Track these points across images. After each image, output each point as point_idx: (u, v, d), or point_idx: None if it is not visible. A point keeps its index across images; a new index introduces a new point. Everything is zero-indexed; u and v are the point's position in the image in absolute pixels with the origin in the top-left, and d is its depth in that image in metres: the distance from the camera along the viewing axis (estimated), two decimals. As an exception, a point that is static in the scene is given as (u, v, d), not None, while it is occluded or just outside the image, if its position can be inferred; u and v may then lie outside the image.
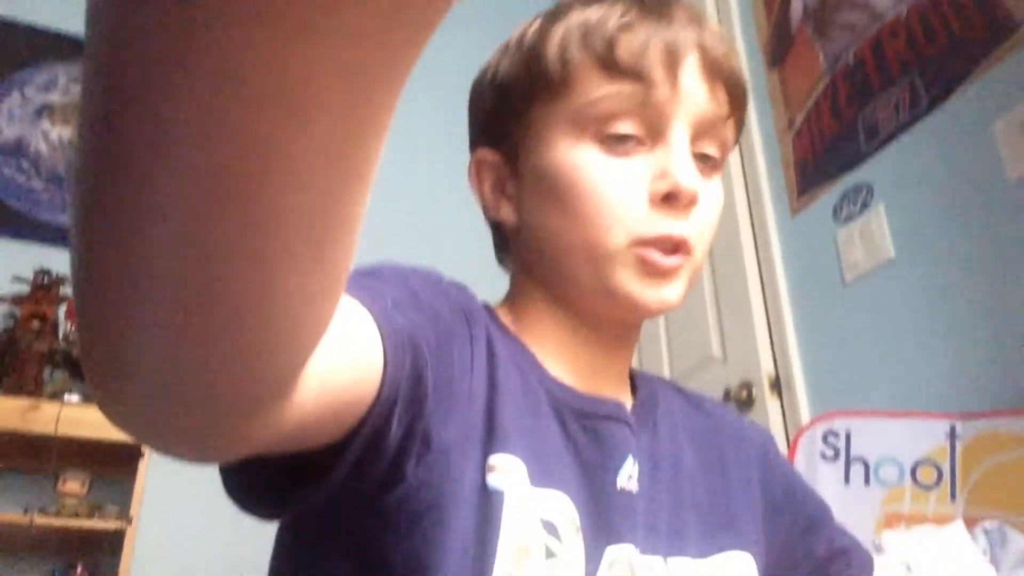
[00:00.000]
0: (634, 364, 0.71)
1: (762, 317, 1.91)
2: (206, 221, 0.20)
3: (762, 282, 1.95)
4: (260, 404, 0.29)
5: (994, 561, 1.23)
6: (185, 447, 0.30)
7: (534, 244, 0.64)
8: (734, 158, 2.10)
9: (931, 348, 1.52)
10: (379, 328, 0.40)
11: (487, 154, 0.65)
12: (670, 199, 0.57)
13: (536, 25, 0.63)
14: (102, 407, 0.28)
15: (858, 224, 1.72)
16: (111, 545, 2.20)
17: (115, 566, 2.13)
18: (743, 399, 1.88)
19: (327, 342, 0.30)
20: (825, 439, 1.52)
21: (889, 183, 1.67)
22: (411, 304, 0.49)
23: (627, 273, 0.58)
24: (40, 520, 2.08)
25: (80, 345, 0.26)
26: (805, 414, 1.75)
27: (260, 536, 0.60)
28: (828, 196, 1.82)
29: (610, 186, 0.57)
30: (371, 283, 0.46)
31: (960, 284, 1.48)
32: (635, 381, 0.69)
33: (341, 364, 0.36)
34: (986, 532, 1.26)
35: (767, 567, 0.68)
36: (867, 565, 0.75)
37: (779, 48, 2.05)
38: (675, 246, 0.58)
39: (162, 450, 0.30)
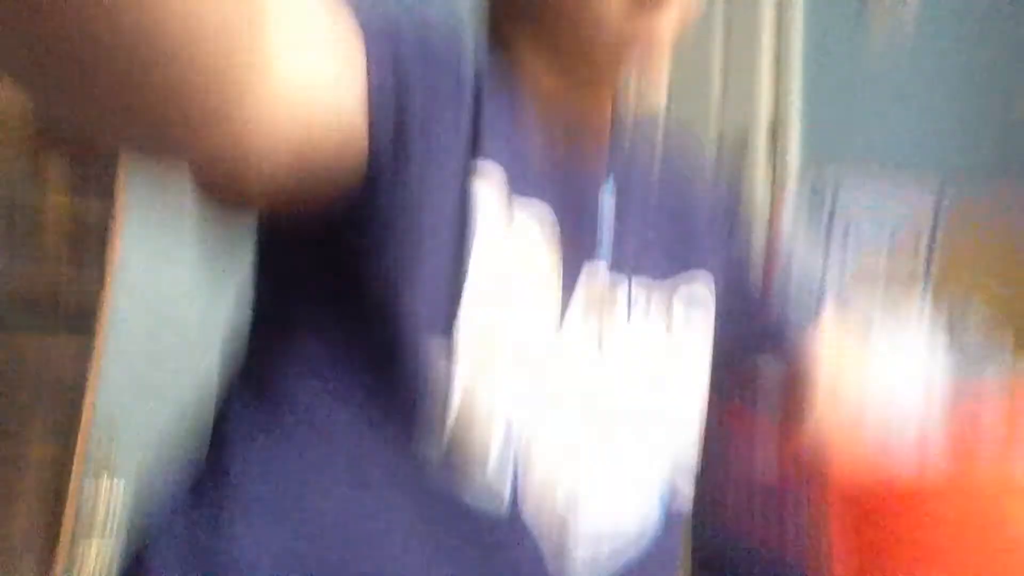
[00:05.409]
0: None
1: (770, 60, 1.81)
2: None
3: (778, 23, 1.82)
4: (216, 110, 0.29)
5: (952, 328, 1.27)
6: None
7: None
8: None
9: (938, 109, 1.47)
10: (360, 27, 0.41)
11: None
12: None
13: None
14: None
15: None
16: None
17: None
18: (738, 144, 1.84)
19: (296, 51, 0.33)
20: (813, 192, 1.51)
21: None
22: (392, 29, 0.47)
23: (613, 8, 0.53)
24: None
25: None
26: (797, 166, 1.72)
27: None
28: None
29: None
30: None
31: (978, 51, 1.40)
32: (617, 116, 0.67)
33: (318, 74, 0.36)
34: (950, 301, 1.30)
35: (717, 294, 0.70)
36: (815, 302, 0.78)
37: None
38: None
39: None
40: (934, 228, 1.33)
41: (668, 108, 1.99)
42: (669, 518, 0.60)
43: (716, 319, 0.67)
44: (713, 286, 0.66)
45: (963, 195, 1.32)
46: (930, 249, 1.34)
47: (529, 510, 0.51)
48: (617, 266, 0.60)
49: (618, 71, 0.61)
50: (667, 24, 0.56)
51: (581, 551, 0.54)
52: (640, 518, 0.58)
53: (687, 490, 0.63)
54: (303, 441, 0.49)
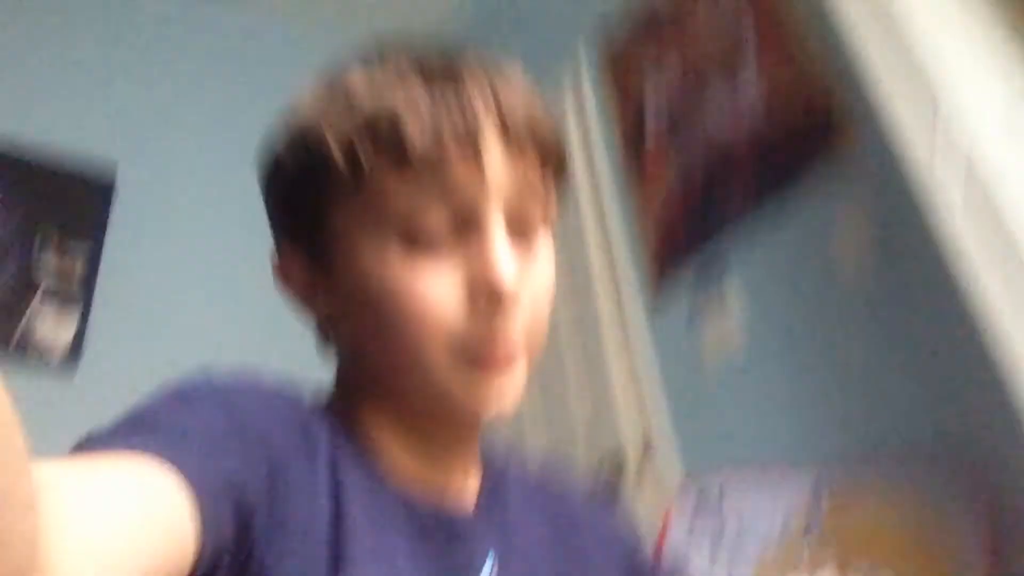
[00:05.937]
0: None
1: (630, 391, 2.01)
2: None
3: (628, 362, 2.05)
4: None
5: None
6: None
7: (356, 346, 0.59)
8: (595, 251, 2.22)
9: (799, 401, 1.67)
10: (188, 486, 0.38)
11: (292, 253, 0.60)
12: (490, 301, 0.53)
13: (314, 104, 0.57)
14: None
15: (714, 313, 1.88)
16: None
17: None
18: (614, 467, 1.96)
19: (95, 549, 0.30)
20: (698, 499, 1.62)
21: (739, 275, 1.84)
22: (233, 436, 0.45)
23: (455, 383, 0.54)
24: None
25: None
26: (676, 479, 1.86)
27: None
28: (684, 286, 1.97)
29: (421, 296, 0.52)
30: (180, 423, 0.43)
31: (805, 369, 1.65)
32: (485, 458, 0.66)
33: (125, 564, 0.32)
34: (855, 576, 1.38)
35: None
36: None
37: (635, 151, 2.23)
38: (503, 349, 0.54)
39: None
40: (820, 515, 1.44)
41: (545, 436, 2.09)
42: None
43: None
44: None
45: (842, 479, 1.44)
46: (820, 537, 1.44)
47: None
48: None
49: (473, 434, 0.62)
50: (512, 381, 0.56)
51: None
52: None
53: None
54: None
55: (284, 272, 0.61)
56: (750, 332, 1.80)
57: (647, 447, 1.94)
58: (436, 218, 0.53)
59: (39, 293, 2.41)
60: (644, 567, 0.72)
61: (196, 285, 2.55)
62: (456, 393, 0.54)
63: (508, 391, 0.55)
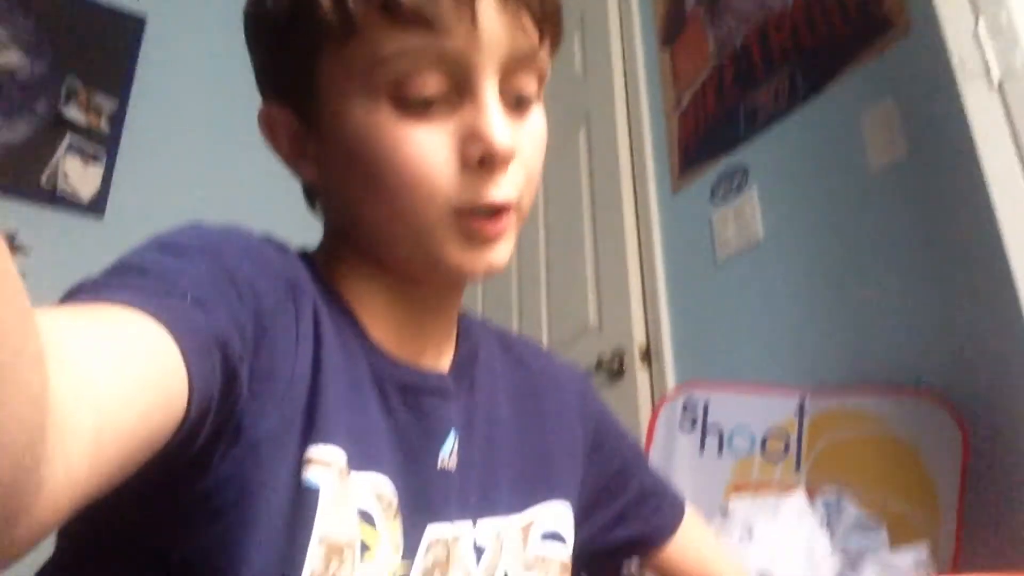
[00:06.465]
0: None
1: (638, 289, 1.97)
2: None
3: (640, 255, 2.00)
4: None
5: (830, 527, 1.32)
6: None
7: (345, 210, 0.58)
8: (622, 133, 2.13)
9: (788, 327, 1.60)
10: (176, 340, 0.36)
11: (277, 109, 0.58)
12: (484, 162, 0.52)
13: None
14: None
15: (732, 206, 1.79)
16: None
17: None
18: (615, 368, 1.94)
19: (89, 391, 0.29)
20: (684, 409, 1.58)
21: (763, 168, 1.74)
22: (222, 288, 0.44)
23: (450, 244, 0.54)
24: None
25: None
26: (672, 384, 1.82)
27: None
28: (707, 177, 1.87)
29: (416, 156, 0.51)
30: (168, 273, 0.42)
31: (819, 269, 1.56)
32: (459, 330, 0.66)
33: (119, 407, 0.32)
34: (825, 501, 1.35)
35: (580, 507, 0.69)
36: (678, 508, 0.77)
37: (672, 28, 2.08)
38: (498, 210, 0.54)
39: None
40: (799, 438, 1.41)
41: (550, 338, 2.09)
42: None
43: (576, 545, 0.67)
44: (571, 514, 0.66)
45: (827, 405, 1.41)
46: (798, 455, 1.40)
47: None
48: (463, 514, 0.58)
49: (454, 301, 0.63)
50: (505, 242, 0.56)
51: None
52: None
53: None
54: None
55: (271, 130, 0.59)
56: (764, 235, 1.71)
57: (645, 353, 1.90)
58: (429, 81, 0.51)
59: (68, 133, 2.42)
60: (607, 442, 0.74)
61: (219, 130, 2.55)
62: (452, 256, 0.54)
63: (500, 251, 0.56)
